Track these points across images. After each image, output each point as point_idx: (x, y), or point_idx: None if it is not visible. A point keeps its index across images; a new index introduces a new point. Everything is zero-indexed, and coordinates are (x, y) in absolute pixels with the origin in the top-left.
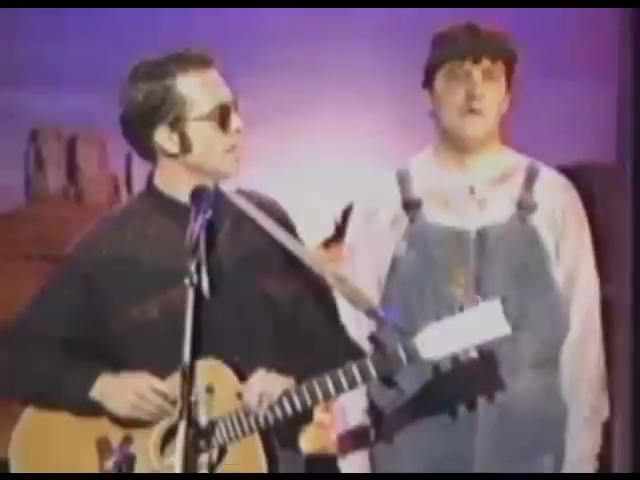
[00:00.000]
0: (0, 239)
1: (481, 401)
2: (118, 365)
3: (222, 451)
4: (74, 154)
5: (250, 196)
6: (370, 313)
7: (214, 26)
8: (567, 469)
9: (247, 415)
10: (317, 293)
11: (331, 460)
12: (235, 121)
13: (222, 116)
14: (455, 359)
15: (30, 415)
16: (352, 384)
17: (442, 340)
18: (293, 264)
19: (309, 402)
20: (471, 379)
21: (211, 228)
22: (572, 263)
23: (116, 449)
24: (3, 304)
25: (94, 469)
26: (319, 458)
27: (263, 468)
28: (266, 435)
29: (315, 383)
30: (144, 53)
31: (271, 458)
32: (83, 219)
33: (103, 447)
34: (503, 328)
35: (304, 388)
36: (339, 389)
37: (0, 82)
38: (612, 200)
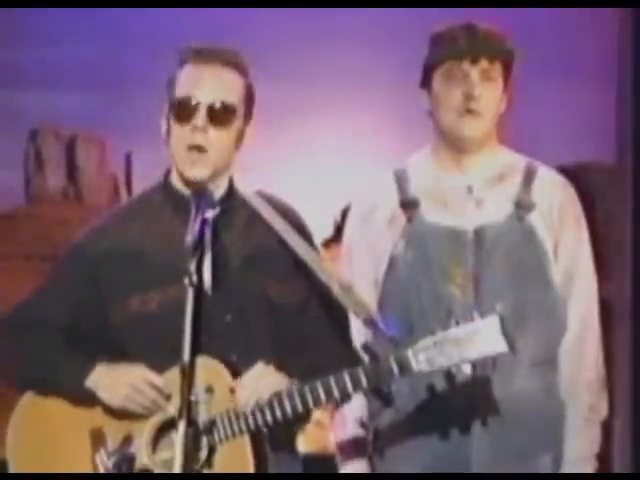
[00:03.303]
0: (0, 239)
1: (478, 401)
2: (118, 355)
3: (211, 451)
4: (74, 154)
5: (269, 199)
6: (368, 322)
7: (214, 26)
8: (566, 469)
9: (237, 417)
10: (325, 300)
11: (330, 460)
12: (199, 119)
13: (183, 110)
14: (449, 373)
15: (28, 400)
16: (343, 392)
17: (435, 353)
18: (302, 269)
19: (300, 407)
20: (466, 393)
21: (222, 226)
22: (570, 262)
23: (116, 449)
24: (3, 304)
25: (86, 458)
26: (318, 458)
27: (250, 470)
28: (256, 437)
29: (307, 388)
30: (144, 53)
31: (259, 460)
32: (83, 219)
33: (97, 438)
34: (499, 345)
35: (295, 392)
36: (330, 396)
37: (0, 82)
38: (612, 200)
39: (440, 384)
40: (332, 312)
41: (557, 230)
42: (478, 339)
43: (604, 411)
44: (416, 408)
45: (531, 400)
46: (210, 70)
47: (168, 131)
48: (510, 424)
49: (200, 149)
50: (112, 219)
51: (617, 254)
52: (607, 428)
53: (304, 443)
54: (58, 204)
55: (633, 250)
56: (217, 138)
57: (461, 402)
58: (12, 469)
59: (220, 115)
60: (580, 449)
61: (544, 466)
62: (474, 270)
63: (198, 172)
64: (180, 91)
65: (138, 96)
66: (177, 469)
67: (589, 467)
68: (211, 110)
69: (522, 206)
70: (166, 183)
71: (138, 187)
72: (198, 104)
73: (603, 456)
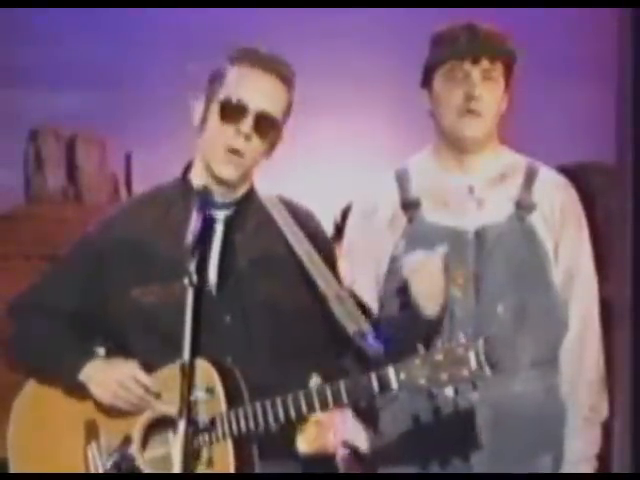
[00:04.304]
0: (0, 239)
1: (479, 401)
2: (120, 346)
3: (196, 452)
4: (73, 154)
5: (288, 204)
6: (358, 336)
7: (213, 26)
8: (566, 469)
9: (222, 421)
10: (328, 310)
11: (330, 460)
12: (246, 125)
13: (232, 111)
14: (431, 394)
15: (29, 390)
16: (323, 405)
17: (417, 374)
18: (307, 277)
19: (282, 417)
20: (449, 417)
21: (234, 227)
22: (571, 263)
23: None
24: (3, 304)
25: (80, 450)
26: (318, 458)
27: (230, 470)
28: (240, 441)
29: (289, 399)
30: (144, 53)
31: (242, 462)
32: (82, 219)
33: (90, 431)
34: (482, 369)
35: (278, 402)
36: (311, 408)
37: (0, 82)
38: (612, 200)
39: (424, 405)
40: (336, 322)
41: (558, 231)
42: (461, 363)
43: (604, 412)
44: (404, 428)
45: (531, 400)
46: (265, 78)
47: (202, 125)
48: (511, 424)
49: (238, 153)
50: (124, 211)
51: (617, 254)
52: (607, 428)
53: (304, 443)
54: (58, 204)
55: (633, 250)
56: (256, 146)
57: (444, 424)
58: (12, 460)
59: (265, 125)
60: (580, 449)
61: (544, 466)
62: (475, 270)
63: (229, 172)
64: (231, 91)
65: (138, 96)
66: (177, 469)
67: (589, 467)
68: (258, 118)
69: (523, 206)
70: (184, 179)
71: (138, 187)
72: (248, 109)
73: (603, 456)
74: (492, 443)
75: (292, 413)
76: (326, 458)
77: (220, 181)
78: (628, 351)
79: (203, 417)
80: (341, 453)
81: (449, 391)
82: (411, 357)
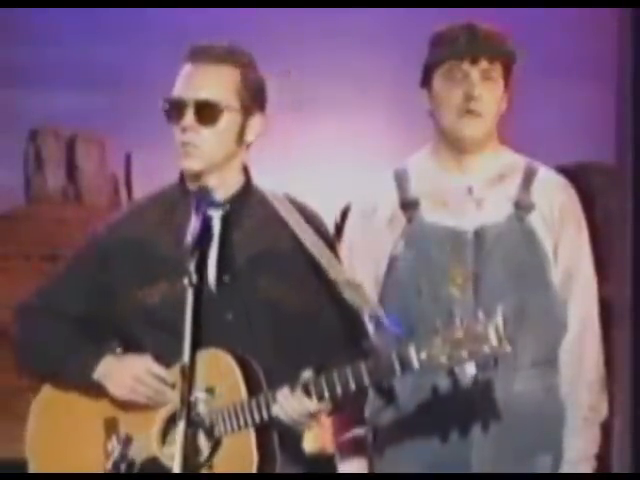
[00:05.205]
0: (0, 239)
1: (479, 401)
2: (129, 346)
3: (217, 442)
4: (73, 154)
5: (294, 202)
6: (373, 319)
7: (213, 26)
8: (565, 469)
9: (243, 410)
10: (336, 307)
11: (330, 460)
12: (187, 120)
13: (172, 111)
14: (452, 372)
15: (49, 388)
16: (345, 388)
17: (438, 352)
18: (314, 274)
19: None
20: (468, 394)
21: (231, 224)
22: (570, 263)
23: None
24: (3, 304)
25: (99, 446)
26: (318, 458)
27: (254, 464)
28: (263, 432)
29: (311, 383)
30: (144, 53)
31: (264, 455)
32: (82, 219)
33: (110, 426)
34: (503, 346)
35: (299, 386)
36: (332, 392)
37: (0, 82)
38: (612, 200)
39: (442, 383)
40: (342, 320)
41: (557, 231)
42: (481, 339)
43: (604, 411)
44: (417, 407)
45: (531, 400)
46: (201, 68)
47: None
48: (510, 424)
49: (190, 145)
50: (129, 213)
51: (617, 254)
52: (607, 428)
53: (305, 442)
54: (58, 204)
55: (633, 250)
56: (208, 135)
57: (462, 403)
58: (31, 461)
59: (207, 113)
60: (579, 449)
61: (544, 466)
62: (474, 270)
63: (190, 164)
64: (173, 92)
65: (138, 96)
66: (177, 469)
67: (589, 467)
68: (198, 109)
69: (522, 206)
70: (181, 181)
71: (138, 187)
72: (185, 104)
73: (602, 456)
74: (492, 442)
75: (313, 397)
76: (326, 458)
77: (192, 177)
78: (628, 351)
79: (223, 407)
80: (357, 432)
81: (470, 368)
82: (431, 335)
